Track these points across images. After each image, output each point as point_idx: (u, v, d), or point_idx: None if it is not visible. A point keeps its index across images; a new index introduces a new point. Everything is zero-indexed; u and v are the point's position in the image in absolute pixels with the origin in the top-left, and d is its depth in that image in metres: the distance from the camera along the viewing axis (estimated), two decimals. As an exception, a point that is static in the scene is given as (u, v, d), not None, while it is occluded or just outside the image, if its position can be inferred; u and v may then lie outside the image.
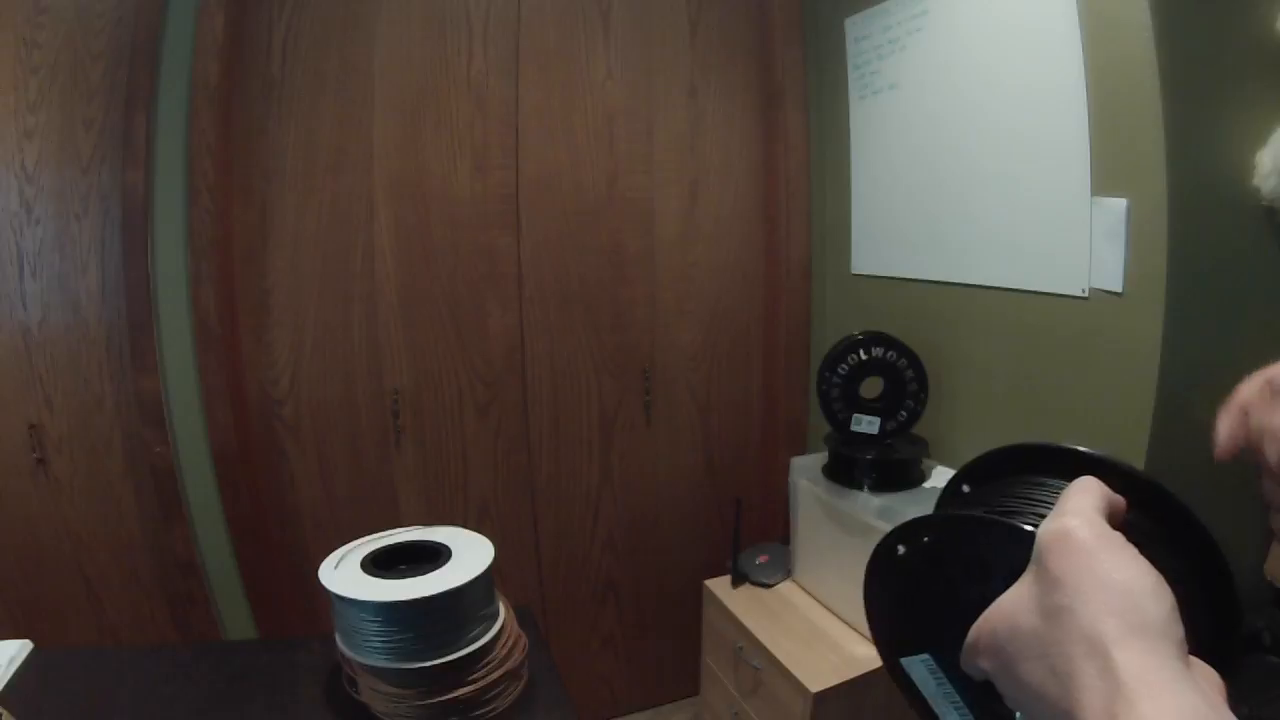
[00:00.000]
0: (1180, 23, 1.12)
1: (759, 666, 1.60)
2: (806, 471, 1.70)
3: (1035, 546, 0.28)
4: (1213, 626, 0.31)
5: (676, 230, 1.99)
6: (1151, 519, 0.33)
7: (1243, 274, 1.20)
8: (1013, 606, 0.28)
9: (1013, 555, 0.30)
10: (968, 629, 0.31)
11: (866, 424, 1.58)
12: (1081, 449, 0.38)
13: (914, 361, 1.57)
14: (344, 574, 0.90)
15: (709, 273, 2.04)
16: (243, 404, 1.68)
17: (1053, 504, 0.33)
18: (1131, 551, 0.26)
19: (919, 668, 0.35)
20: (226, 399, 1.61)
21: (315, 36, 1.64)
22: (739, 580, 1.83)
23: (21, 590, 1.58)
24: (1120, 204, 1.21)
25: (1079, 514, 0.28)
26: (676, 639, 2.15)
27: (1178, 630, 0.24)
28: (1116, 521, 0.29)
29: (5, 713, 0.85)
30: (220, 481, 1.63)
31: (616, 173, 1.91)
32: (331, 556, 0.95)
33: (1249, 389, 0.38)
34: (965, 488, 0.40)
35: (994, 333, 1.52)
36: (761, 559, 1.87)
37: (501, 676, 0.91)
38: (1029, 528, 0.30)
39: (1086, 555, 0.26)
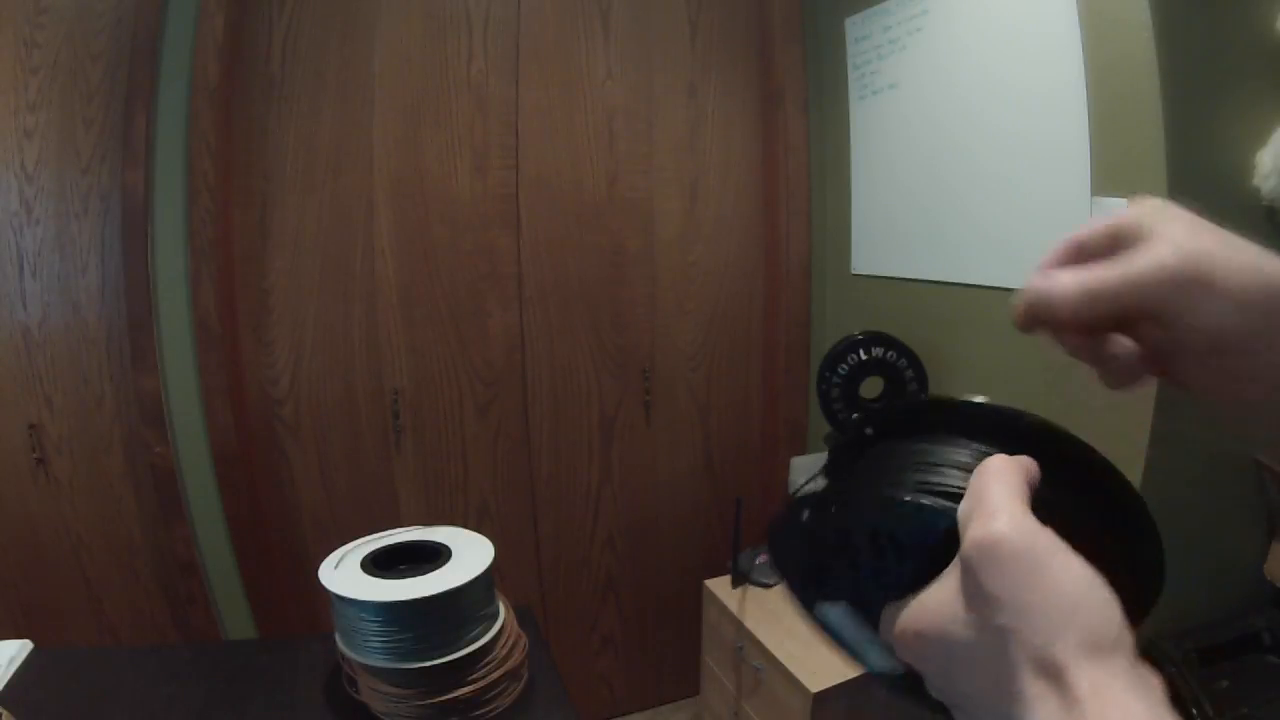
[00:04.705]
0: (1180, 23, 1.12)
1: (759, 666, 1.60)
2: (806, 471, 1.70)
3: (962, 556, 0.26)
4: (1131, 572, 0.30)
5: (676, 230, 1.99)
6: (1051, 463, 0.31)
7: (1243, 274, 1.20)
8: (940, 615, 0.27)
9: (924, 535, 0.30)
10: (880, 595, 0.31)
11: (866, 424, 1.58)
12: (961, 400, 0.36)
13: (914, 361, 1.57)
14: (344, 574, 0.90)
15: (709, 273, 2.04)
16: (243, 404, 1.68)
17: (937, 465, 0.32)
18: (1065, 554, 0.25)
19: (835, 614, 0.35)
20: (226, 399, 1.61)
21: (315, 36, 1.64)
22: (739, 580, 1.83)
23: (21, 590, 1.58)
24: (1120, 204, 1.20)
25: (1002, 513, 0.26)
26: (676, 639, 2.15)
27: (1127, 639, 0.24)
28: (1033, 492, 0.28)
29: (5, 713, 0.85)
30: (220, 481, 1.63)
31: (616, 173, 1.91)
32: (331, 556, 0.95)
33: (1090, 233, 0.32)
34: (869, 430, 0.38)
35: (994, 333, 1.52)
36: (761, 559, 1.87)
37: (501, 676, 0.91)
38: (939, 504, 0.29)
39: (1024, 569, 0.24)
